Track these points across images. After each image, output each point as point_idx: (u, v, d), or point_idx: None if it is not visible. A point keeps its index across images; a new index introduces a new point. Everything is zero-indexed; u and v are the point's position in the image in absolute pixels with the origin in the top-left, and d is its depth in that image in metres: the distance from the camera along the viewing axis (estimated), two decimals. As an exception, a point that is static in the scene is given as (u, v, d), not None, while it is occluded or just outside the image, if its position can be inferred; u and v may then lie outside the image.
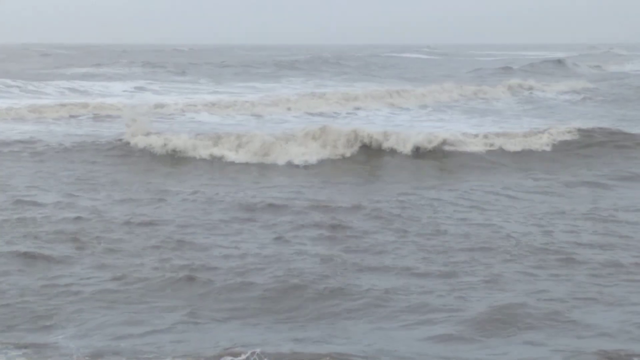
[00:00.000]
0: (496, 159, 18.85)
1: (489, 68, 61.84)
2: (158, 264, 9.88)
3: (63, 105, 28.92)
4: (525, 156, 19.16)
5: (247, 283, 9.06)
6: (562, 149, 19.71)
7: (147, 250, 10.58)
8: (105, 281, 9.25)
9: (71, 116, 27.27)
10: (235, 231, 11.67)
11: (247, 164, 18.21)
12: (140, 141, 19.37)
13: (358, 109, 30.81)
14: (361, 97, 33.50)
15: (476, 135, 20.18)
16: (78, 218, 12.30)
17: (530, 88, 39.55)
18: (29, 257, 10.12)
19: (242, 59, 71.90)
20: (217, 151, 18.72)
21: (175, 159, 18.70)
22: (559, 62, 65.12)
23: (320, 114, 28.96)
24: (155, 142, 19.25)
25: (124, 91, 39.52)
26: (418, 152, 19.09)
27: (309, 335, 7.70)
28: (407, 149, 19.01)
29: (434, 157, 18.94)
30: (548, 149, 19.67)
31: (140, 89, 40.63)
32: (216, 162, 18.36)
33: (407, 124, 25.89)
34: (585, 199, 14.41)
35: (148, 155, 18.94)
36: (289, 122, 26.81)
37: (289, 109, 30.17)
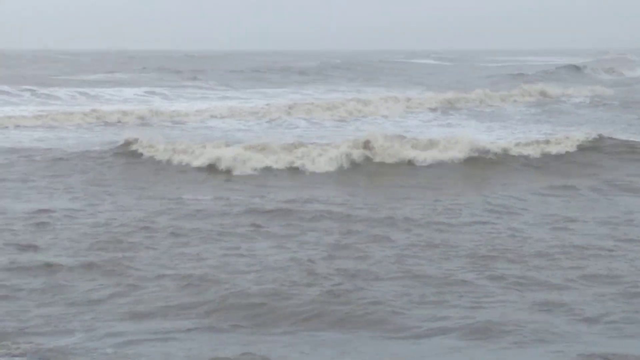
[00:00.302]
0: (516, 163, 18.76)
1: (502, 74, 61.07)
2: (171, 270, 9.85)
3: (74, 112, 28.95)
4: (545, 161, 19.06)
5: (257, 290, 8.96)
6: (579, 154, 19.51)
7: (160, 257, 10.55)
8: (118, 287, 9.25)
9: (83, 122, 27.33)
10: (249, 237, 11.62)
11: (264, 170, 18.09)
12: (150, 149, 19.31)
13: (373, 114, 30.76)
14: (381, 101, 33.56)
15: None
16: (92, 225, 12.29)
17: (557, 96, 38.69)
18: (43, 263, 10.12)
19: (252, 65, 72.03)
20: (229, 157, 18.62)
21: (185, 166, 18.51)
22: (576, 68, 63.98)
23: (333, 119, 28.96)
24: (165, 150, 19.19)
25: (135, 94, 39.70)
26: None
27: (318, 346, 7.64)
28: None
29: (454, 162, 18.78)
30: (571, 151, 19.53)
31: (153, 94, 40.77)
32: (232, 169, 18.11)
33: (417, 130, 25.95)
34: (604, 204, 14.45)
35: (157, 162, 18.79)
36: (300, 128, 26.88)
37: (306, 111, 30.19)
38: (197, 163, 18.42)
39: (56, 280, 9.47)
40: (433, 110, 32.70)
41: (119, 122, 27.60)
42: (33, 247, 10.95)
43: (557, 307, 8.54)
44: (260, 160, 18.29)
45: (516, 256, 10.55)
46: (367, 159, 18.86)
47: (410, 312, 8.35)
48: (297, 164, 18.27)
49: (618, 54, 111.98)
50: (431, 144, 19.55)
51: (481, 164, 18.67)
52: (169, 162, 18.77)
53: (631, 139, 21.32)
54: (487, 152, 19.10)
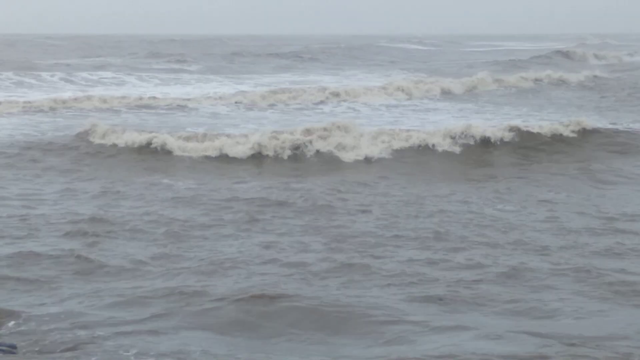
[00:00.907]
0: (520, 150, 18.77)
1: (492, 60, 59.21)
2: (170, 264, 9.93)
3: (53, 100, 28.70)
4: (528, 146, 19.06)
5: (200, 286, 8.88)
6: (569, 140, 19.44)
7: (135, 246, 10.72)
8: (120, 283, 9.28)
9: (52, 107, 27.16)
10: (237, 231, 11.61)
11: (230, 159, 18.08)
12: (118, 138, 19.15)
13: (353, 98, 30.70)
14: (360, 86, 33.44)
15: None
16: (63, 215, 12.31)
17: (558, 82, 37.41)
18: (19, 252, 10.21)
19: (233, 49, 71.78)
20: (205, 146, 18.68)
21: (159, 154, 18.45)
22: (565, 53, 62.59)
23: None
24: (129, 137, 19.11)
25: (114, 78, 39.50)
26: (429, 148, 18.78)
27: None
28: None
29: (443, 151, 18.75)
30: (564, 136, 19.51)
31: (131, 77, 40.50)
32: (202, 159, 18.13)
33: (390, 115, 26.11)
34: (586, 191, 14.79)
35: (129, 151, 18.63)
36: (277, 113, 26.89)
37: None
38: (169, 154, 18.45)
39: (40, 269, 9.57)
40: (416, 96, 32.35)
41: (84, 107, 27.39)
42: (8, 236, 11.05)
43: (531, 297, 8.73)
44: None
45: (491, 243, 10.82)
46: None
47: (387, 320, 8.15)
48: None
49: (599, 39, 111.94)
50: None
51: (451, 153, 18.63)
52: (131, 148, 18.71)
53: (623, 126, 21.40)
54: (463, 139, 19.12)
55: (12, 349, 7.12)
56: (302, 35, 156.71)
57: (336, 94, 30.88)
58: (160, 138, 18.84)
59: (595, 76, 39.47)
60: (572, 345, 7.24)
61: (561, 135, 19.52)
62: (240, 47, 78.47)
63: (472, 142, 18.92)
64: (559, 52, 62.73)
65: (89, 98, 28.97)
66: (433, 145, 18.69)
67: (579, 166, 17.15)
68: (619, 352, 7.08)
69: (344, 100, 30.00)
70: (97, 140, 19.14)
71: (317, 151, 18.37)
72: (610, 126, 21.25)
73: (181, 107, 27.60)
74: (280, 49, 73.22)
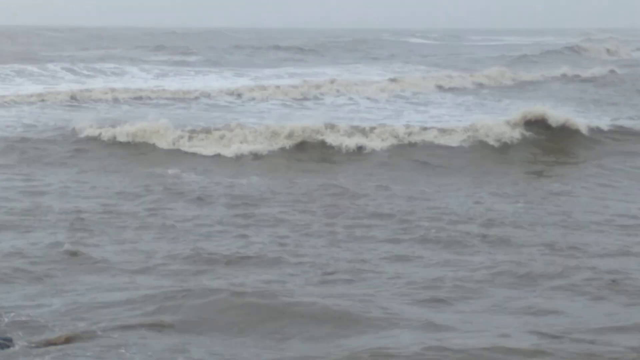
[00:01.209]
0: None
1: (504, 55, 58.56)
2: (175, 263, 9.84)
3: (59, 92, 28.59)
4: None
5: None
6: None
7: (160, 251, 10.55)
8: (120, 277, 9.20)
9: (65, 99, 27.09)
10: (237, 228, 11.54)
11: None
12: (116, 132, 19.04)
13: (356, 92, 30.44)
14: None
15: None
16: (62, 211, 12.19)
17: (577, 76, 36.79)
18: (32, 248, 10.12)
19: (234, 42, 71.83)
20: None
21: (158, 149, 18.40)
22: (573, 49, 62.02)
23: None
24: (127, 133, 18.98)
25: (114, 70, 39.45)
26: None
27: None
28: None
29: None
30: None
31: (132, 70, 40.45)
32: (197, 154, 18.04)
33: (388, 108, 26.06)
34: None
35: (128, 145, 18.53)
36: (269, 106, 26.79)
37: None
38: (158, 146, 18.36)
39: (38, 263, 9.52)
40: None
41: (87, 98, 27.29)
42: (6, 229, 10.98)
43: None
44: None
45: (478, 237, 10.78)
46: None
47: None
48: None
49: (603, 35, 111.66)
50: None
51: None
52: (129, 142, 18.63)
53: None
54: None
55: (8, 342, 7.08)
56: (304, 28, 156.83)
57: (338, 86, 30.74)
58: (160, 131, 18.74)
59: (611, 71, 39.07)
60: (580, 341, 7.20)
61: (570, 130, 19.42)
62: (241, 40, 78.52)
63: (478, 138, 18.77)
64: (569, 48, 61.97)
65: (91, 90, 28.90)
66: (439, 140, 18.58)
67: (587, 163, 17.16)
68: (627, 346, 7.05)
69: (345, 93, 29.86)
70: (94, 133, 19.01)
71: (320, 146, 18.26)
72: (622, 122, 21.16)
73: (182, 99, 27.60)
74: (281, 42, 73.18)
